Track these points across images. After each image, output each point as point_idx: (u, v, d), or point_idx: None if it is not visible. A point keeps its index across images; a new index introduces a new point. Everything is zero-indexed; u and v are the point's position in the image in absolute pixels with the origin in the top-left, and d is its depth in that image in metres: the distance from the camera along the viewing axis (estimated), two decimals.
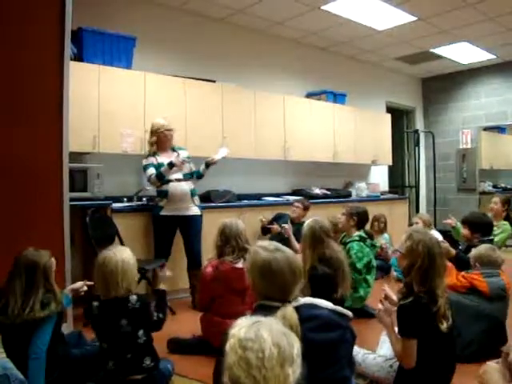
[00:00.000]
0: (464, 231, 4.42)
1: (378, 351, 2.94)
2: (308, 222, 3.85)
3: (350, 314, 2.22)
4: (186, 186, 4.88)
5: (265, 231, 5.93)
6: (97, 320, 2.64)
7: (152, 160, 4.84)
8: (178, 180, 4.83)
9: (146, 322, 2.68)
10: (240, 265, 3.49)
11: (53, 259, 2.75)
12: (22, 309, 2.51)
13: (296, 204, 5.90)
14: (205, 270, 3.57)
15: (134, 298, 2.62)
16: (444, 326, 2.48)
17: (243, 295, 3.48)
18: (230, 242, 3.54)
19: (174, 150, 4.96)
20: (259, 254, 2.11)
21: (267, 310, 1.87)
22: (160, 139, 4.87)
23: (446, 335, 2.51)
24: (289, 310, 1.90)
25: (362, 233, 4.58)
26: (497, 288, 3.43)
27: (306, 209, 5.87)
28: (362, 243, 4.46)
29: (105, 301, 2.61)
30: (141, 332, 2.62)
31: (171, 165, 4.74)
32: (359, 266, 4.34)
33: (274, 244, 2.19)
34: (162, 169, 4.74)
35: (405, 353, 2.56)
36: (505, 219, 5.62)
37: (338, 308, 2.20)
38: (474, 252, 3.73)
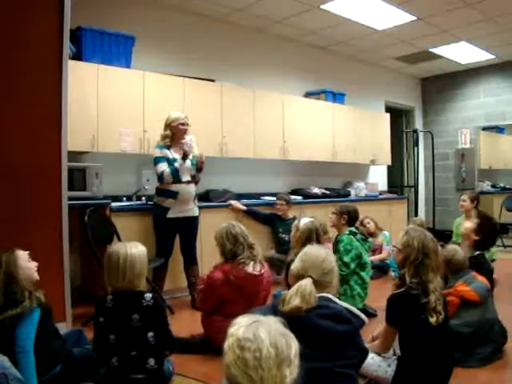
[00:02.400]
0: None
1: None
2: (306, 222, 3.88)
3: (365, 318, 2.28)
4: (193, 188, 4.87)
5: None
6: (109, 312, 2.64)
7: (166, 153, 4.72)
8: (188, 182, 4.78)
9: (157, 322, 2.67)
10: (250, 268, 3.48)
11: (19, 254, 2.74)
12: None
13: (279, 202, 6.11)
14: (213, 275, 3.49)
15: (148, 295, 2.65)
16: (434, 319, 2.54)
17: (253, 298, 3.48)
18: (238, 240, 3.51)
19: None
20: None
21: None
22: (174, 133, 4.77)
23: (436, 329, 2.55)
24: (303, 281, 2.21)
25: (352, 228, 4.65)
26: (484, 291, 3.40)
27: (288, 203, 6.12)
28: (351, 237, 4.52)
29: (119, 293, 2.63)
30: (150, 334, 2.61)
31: (185, 158, 4.65)
32: (346, 259, 4.37)
33: None
34: (177, 164, 4.65)
35: (383, 337, 2.83)
36: None
37: (354, 309, 2.29)
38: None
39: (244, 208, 5.91)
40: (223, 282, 3.42)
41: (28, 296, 2.61)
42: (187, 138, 4.67)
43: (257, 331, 1.28)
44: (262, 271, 3.55)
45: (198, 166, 4.81)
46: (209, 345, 3.37)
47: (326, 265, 2.34)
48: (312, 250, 2.44)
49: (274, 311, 2.09)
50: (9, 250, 2.74)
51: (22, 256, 2.75)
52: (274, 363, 1.24)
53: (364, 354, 2.31)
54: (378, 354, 2.85)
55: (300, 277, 2.28)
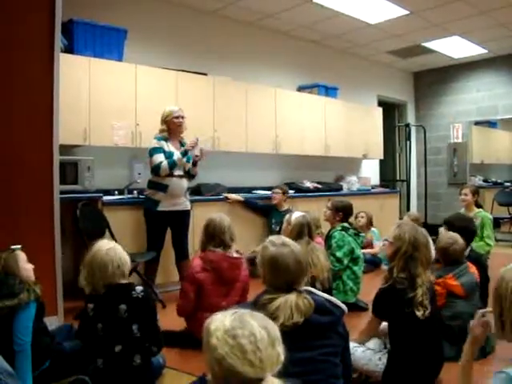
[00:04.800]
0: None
1: (367, 344, 2.96)
2: (298, 216, 3.89)
3: (344, 307, 2.26)
4: (185, 182, 4.89)
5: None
6: (99, 299, 2.62)
7: (163, 144, 4.75)
8: (180, 176, 4.80)
9: (145, 315, 2.66)
10: (234, 254, 3.56)
11: (20, 255, 2.79)
12: None
13: (275, 191, 6.20)
14: (192, 263, 3.61)
15: (139, 288, 2.68)
16: (420, 312, 2.58)
17: (230, 287, 3.52)
18: (214, 239, 3.55)
19: (181, 143, 4.91)
20: (268, 249, 2.23)
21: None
22: (169, 127, 4.80)
23: (423, 323, 2.58)
24: (291, 297, 2.06)
25: (344, 224, 4.65)
26: (471, 286, 3.38)
27: (284, 193, 6.21)
28: (343, 232, 4.53)
29: (110, 286, 2.61)
30: (135, 326, 2.59)
31: (185, 153, 4.72)
32: (339, 254, 4.39)
33: (282, 239, 2.31)
34: (176, 157, 4.68)
35: (368, 325, 2.96)
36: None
37: (333, 299, 2.27)
38: (437, 244, 3.56)
39: (241, 199, 5.95)
40: (201, 267, 3.49)
41: (26, 289, 2.64)
42: (194, 142, 4.79)
43: (243, 318, 1.33)
44: (240, 257, 3.64)
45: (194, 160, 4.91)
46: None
47: (299, 263, 2.20)
48: (276, 256, 2.19)
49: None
50: (9, 249, 2.80)
51: (22, 257, 2.81)
52: (268, 343, 1.29)
53: (347, 339, 2.30)
54: (364, 346, 2.89)
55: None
